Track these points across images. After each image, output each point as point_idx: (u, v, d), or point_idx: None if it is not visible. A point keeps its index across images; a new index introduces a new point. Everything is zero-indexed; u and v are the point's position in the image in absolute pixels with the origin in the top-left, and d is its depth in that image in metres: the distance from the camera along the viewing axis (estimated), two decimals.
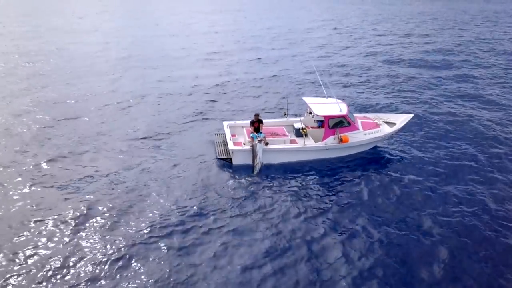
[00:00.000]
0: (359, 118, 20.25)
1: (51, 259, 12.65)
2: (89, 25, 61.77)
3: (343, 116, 18.65)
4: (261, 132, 18.59)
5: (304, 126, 19.69)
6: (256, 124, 18.63)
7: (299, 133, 19.91)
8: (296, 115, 22.11)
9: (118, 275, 12.16)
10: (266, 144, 18.25)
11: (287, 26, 43.41)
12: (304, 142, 18.66)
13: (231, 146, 18.31)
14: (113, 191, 16.32)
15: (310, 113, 19.83)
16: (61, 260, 12.62)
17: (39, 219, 14.48)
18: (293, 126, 20.42)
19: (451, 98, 27.32)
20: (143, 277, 12.11)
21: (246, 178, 17.38)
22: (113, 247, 13.24)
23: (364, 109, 25.07)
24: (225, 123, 20.47)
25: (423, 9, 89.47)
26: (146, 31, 39.28)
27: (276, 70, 30.57)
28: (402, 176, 17.85)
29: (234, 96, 26.62)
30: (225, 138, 19.56)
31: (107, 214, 14.83)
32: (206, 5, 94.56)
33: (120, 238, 13.67)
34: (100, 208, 15.17)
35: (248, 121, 20.13)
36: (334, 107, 18.93)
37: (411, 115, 20.53)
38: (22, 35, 48.85)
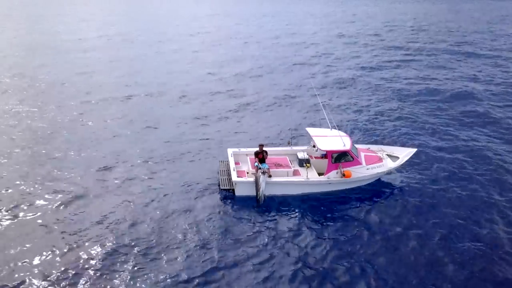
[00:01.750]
0: (363, 150, 20.37)
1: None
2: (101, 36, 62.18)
3: (346, 151, 18.78)
4: (265, 164, 18.74)
5: (307, 157, 19.88)
6: (261, 155, 18.81)
7: (302, 163, 20.08)
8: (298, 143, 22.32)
9: None
10: (270, 176, 18.41)
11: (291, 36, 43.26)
12: (307, 175, 18.79)
13: (234, 177, 18.49)
14: (112, 220, 16.57)
15: (314, 146, 19.97)
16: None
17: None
18: (296, 156, 20.57)
19: (459, 129, 26.68)
20: None
21: (249, 211, 17.61)
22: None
23: (366, 135, 25.12)
24: (229, 151, 20.64)
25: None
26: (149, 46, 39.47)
27: (279, 94, 30.51)
28: (402, 212, 17.94)
29: (238, 122, 26.47)
30: (229, 167, 19.73)
31: (103, 253, 15.01)
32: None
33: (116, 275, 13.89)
34: (93, 246, 15.37)
35: (252, 149, 20.42)
36: (337, 141, 19.07)
37: (414, 150, 20.64)
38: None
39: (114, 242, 15.44)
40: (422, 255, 15.38)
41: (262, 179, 17.88)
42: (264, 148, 19.63)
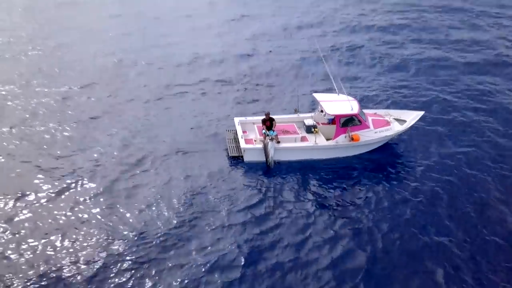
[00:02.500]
0: (370, 115, 20.31)
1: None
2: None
3: (354, 115, 18.74)
4: (273, 131, 18.72)
5: (315, 123, 19.86)
6: (268, 123, 18.78)
7: (310, 129, 20.08)
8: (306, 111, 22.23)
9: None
10: (278, 142, 18.44)
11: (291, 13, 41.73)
12: (315, 140, 18.80)
13: (243, 144, 18.54)
14: (125, 190, 16.78)
15: (322, 111, 19.90)
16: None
17: None
18: (303, 123, 20.54)
19: (469, 97, 25.44)
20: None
21: (257, 176, 17.80)
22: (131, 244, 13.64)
23: (373, 101, 24.93)
24: (236, 120, 20.60)
25: None
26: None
27: (284, 62, 29.98)
28: (410, 177, 18.09)
29: (242, 91, 26.01)
30: (237, 135, 19.74)
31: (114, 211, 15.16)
32: None
33: (138, 237, 14.09)
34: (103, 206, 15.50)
35: (259, 117, 20.40)
36: (345, 105, 18.99)
37: (422, 113, 20.54)
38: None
39: (123, 209, 15.74)
40: (428, 221, 15.50)
41: (271, 145, 17.93)
42: (271, 116, 19.58)
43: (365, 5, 43.97)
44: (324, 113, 19.22)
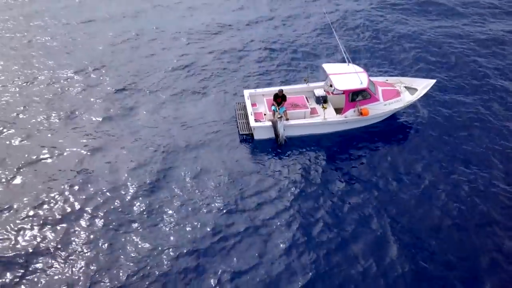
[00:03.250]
0: (380, 84, 20.07)
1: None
2: None
3: (364, 89, 18.60)
4: (282, 107, 18.80)
5: (324, 94, 20.00)
6: (279, 99, 18.82)
7: (320, 100, 20.09)
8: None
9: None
10: (287, 119, 18.63)
11: None
12: (324, 115, 18.90)
13: (252, 122, 18.77)
14: (136, 167, 17.53)
15: (331, 85, 19.73)
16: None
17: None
18: (313, 93, 20.49)
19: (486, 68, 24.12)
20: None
21: (267, 154, 18.33)
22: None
23: (383, 66, 24.32)
24: (246, 93, 20.59)
25: None
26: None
27: (290, 32, 28.49)
28: (420, 150, 18.38)
29: (250, 61, 25.27)
30: (246, 110, 19.91)
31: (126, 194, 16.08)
32: None
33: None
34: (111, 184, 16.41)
35: (268, 89, 20.67)
36: (354, 79, 18.76)
37: (434, 81, 20.20)
38: None
39: (128, 183, 16.68)
40: (437, 196, 16.06)
41: (280, 125, 18.15)
42: (281, 87, 19.57)
43: None
44: (333, 87, 19.07)
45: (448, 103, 21.09)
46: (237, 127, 19.64)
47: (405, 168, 17.49)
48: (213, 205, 15.84)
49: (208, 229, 14.89)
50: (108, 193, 16.30)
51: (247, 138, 19.16)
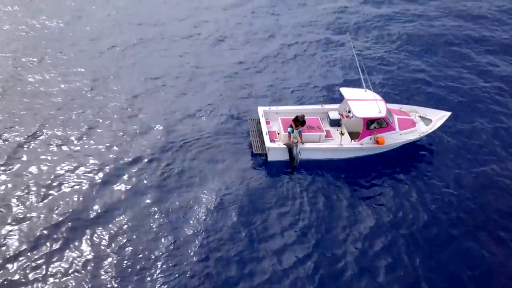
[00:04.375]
0: (395, 112, 20.01)
1: None
2: None
3: (382, 118, 18.50)
4: (299, 130, 18.54)
5: (339, 117, 19.89)
6: (298, 123, 18.54)
7: (334, 122, 19.93)
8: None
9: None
10: (302, 143, 18.40)
11: None
12: (340, 140, 18.73)
13: (267, 143, 18.45)
14: (148, 180, 17.13)
15: (349, 111, 19.55)
16: None
17: None
18: (328, 115, 20.31)
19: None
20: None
21: (281, 176, 18.03)
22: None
23: (398, 93, 24.08)
24: (260, 110, 20.25)
25: None
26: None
27: (310, 51, 27.56)
28: (433, 179, 18.44)
29: (263, 78, 24.69)
30: (260, 127, 19.60)
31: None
32: None
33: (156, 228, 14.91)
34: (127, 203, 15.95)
35: (282, 107, 20.71)
36: (373, 107, 18.64)
37: (449, 113, 20.22)
38: None
39: (141, 202, 16.28)
40: (455, 225, 16.25)
41: (297, 150, 17.89)
42: (297, 107, 20.24)
43: None
44: (352, 114, 18.89)
45: (464, 131, 21.16)
46: (251, 145, 19.27)
47: (420, 197, 17.49)
48: (223, 231, 15.53)
49: (219, 254, 14.65)
50: (127, 227, 15.57)
51: (261, 159, 18.79)
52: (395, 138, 18.93)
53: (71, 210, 15.73)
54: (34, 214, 15.47)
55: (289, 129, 18.56)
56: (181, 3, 33.78)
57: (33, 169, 17.34)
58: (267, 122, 19.95)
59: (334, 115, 20.10)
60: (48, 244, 14.54)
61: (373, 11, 33.84)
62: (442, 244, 15.51)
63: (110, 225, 15.33)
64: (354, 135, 19.49)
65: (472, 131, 21.17)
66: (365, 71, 20.25)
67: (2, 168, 17.27)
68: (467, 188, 17.96)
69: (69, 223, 15.26)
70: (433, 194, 17.58)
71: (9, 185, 16.51)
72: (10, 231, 14.80)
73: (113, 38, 27.92)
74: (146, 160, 18.34)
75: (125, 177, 17.42)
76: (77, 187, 16.70)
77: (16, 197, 16.05)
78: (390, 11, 33.87)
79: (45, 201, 16.03)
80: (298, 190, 17.47)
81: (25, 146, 18.48)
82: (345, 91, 19.86)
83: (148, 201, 16.41)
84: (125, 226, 15.33)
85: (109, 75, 24.02)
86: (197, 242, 14.92)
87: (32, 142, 18.73)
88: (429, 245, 15.41)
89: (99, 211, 15.85)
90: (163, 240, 14.96)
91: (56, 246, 14.48)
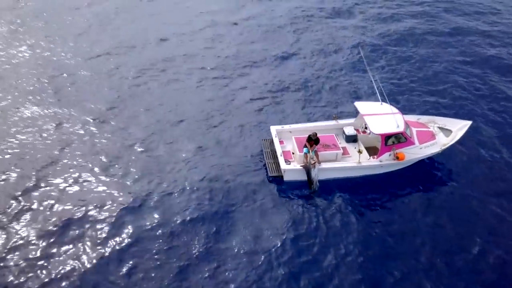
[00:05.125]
0: (413, 123, 19.29)
1: None
2: None
3: (400, 133, 17.80)
4: (314, 149, 17.90)
5: (355, 133, 19.29)
6: (312, 143, 17.91)
7: (350, 138, 19.31)
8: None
9: None
10: (319, 163, 17.76)
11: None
12: (359, 158, 18.06)
13: (283, 165, 17.86)
14: (162, 212, 16.55)
15: (366, 127, 18.88)
16: None
17: None
18: (343, 131, 19.67)
19: None
20: None
21: (298, 198, 17.48)
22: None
23: (414, 102, 23.23)
24: (273, 130, 19.68)
25: None
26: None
27: (318, 65, 26.84)
28: (456, 195, 17.74)
29: (275, 96, 23.94)
30: (274, 145, 19.06)
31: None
32: None
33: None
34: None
35: (295, 125, 20.06)
36: (391, 121, 17.94)
37: (470, 122, 19.43)
38: None
39: (154, 228, 15.81)
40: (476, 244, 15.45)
41: (314, 173, 17.27)
42: (310, 124, 19.66)
43: None
44: (368, 130, 18.22)
45: (487, 142, 20.37)
46: (265, 167, 18.68)
47: (442, 217, 16.71)
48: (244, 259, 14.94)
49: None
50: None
51: (277, 180, 18.17)
52: (415, 153, 18.20)
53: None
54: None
55: (305, 149, 17.92)
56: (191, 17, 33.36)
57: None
58: (281, 142, 19.37)
59: (349, 131, 19.46)
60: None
61: (382, 16, 33.10)
62: (469, 273, 14.71)
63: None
64: (371, 150, 18.83)
65: (496, 142, 20.33)
66: (379, 82, 19.60)
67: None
68: (491, 205, 17.15)
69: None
70: (457, 214, 16.81)
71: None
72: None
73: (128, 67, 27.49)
74: (154, 180, 17.95)
75: (137, 193, 16.90)
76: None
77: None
78: (400, 19, 33.07)
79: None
80: (316, 212, 16.87)
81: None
82: (360, 105, 19.19)
83: (153, 221, 16.07)
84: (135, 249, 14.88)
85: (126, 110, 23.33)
86: (207, 267, 14.45)
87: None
88: (450, 273, 14.62)
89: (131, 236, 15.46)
90: (174, 260, 14.59)
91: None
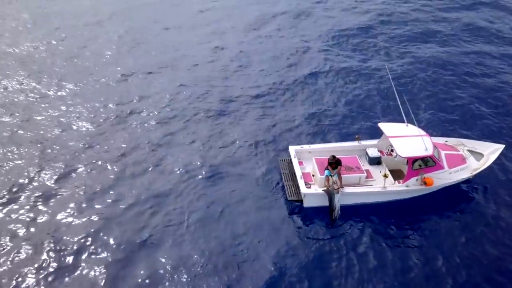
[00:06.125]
0: (441, 146, 18.17)
1: None
2: None
3: (429, 157, 16.68)
4: (336, 173, 16.86)
5: (378, 155, 18.28)
6: (334, 165, 16.87)
7: (373, 161, 18.25)
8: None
9: None
10: (342, 187, 16.71)
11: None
12: (384, 183, 16.96)
13: (303, 189, 16.82)
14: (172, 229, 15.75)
15: (392, 150, 17.80)
16: None
17: None
18: (366, 152, 18.62)
19: None
20: None
21: (319, 225, 16.38)
22: None
23: (441, 124, 22.04)
24: (292, 150, 18.72)
25: None
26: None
27: (341, 83, 25.82)
28: (490, 226, 16.42)
29: (294, 115, 22.90)
30: (292, 165, 18.13)
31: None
32: None
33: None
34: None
35: (315, 145, 19.27)
36: (418, 144, 16.84)
37: (502, 146, 18.26)
38: None
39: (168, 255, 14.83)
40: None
41: (337, 198, 16.20)
42: (331, 145, 18.99)
43: None
44: (395, 153, 17.13)
45: None
46: (284, 189, 17.66)
47: (475, 248, 15.44)
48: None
49: None
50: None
51: (295, 205, 17.15)
52: (444, 178, 17.07)
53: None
54: None
55: (326, 172, 16.87)
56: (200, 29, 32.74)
57: None
58: (300, 163, 18.38)
59: (373, 152, 18.42)
60: None
61: (407, 31, 32.00)
62: None
63: None
64: (396, 173, 17.75)
65: None
66: (406, 101, 18.58)
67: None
68: None
69: None
70: (491, 246, 15.55)
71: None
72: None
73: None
74: (162, 200, 17.02)
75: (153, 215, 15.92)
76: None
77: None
78: (428, 32, 32.01)
79: None
80: (338, 241, 15.72)
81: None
82: (385, 127, 18.13)
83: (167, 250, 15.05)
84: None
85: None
86: None
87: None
88: None
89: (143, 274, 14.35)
90: None
91: None
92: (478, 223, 16.42)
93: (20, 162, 19.11)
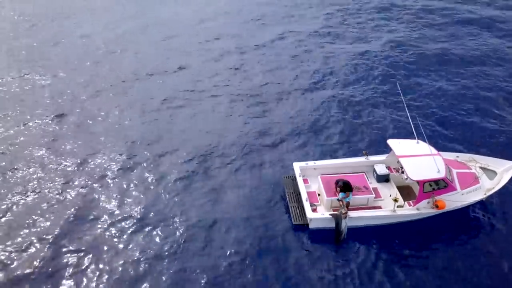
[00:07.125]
0: (452, 163, 17.37)
1: None
2: None
3: (441, 179, 15.90)
4: (348, 197, 16.11)
5: (387, 172, 17.54)
6: (343, 189, 16.09)
7: (381, 178, 17.50)
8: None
9: None
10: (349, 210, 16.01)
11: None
12: (394, 207, 16.23)
13: (309, 213, 16.12)
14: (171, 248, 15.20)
15: (403, 171, 16.98)
16: None
17: None
18: (374, 168, 17.84)
19: None
20: None
21: (325, 250, 15.73)
22: None
23: (451, 140, 21.16)
24: (296, 167, 17.93)
25: None
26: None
27: (347, 95, 24.89)
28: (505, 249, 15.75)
29: (301, 129, 22.10)
30: (297, 183, 17.35)
31: None
32: None
33: None
34: None
35: (321, 162, 18.47)
36: (430, 165, 16.01)
37: None
38: None
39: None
40: None
41: (345, 224, 15.47)
42: (337, 161, 18.29)
43: None
44: (406, 176, 16.33)
45: None
46: (288, 211, 16.94)
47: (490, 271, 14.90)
48: None
49: None
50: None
51: (301, 228, 16.47)
52: (456, 200, 16.33)
53: None
54: None
55: (341, 194, 16.05)
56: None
57: None
58: (305, 181, 17.60)
59: (381, 169, 17.64)
60: None
61: (420, 49, 30.48)
62: None
63: None
64: (405, 190, 17.06)
65: None
66: (417, 118, 17.67)
67: None
68: None
69: None
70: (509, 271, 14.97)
71: None
72: None
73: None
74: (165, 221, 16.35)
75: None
76: None
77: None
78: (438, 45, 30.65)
79: None
80: (344, 267, 15.12)
81: None
82: (394, 144, 17.26)
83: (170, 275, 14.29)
84: None
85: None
86: None
87: None
88: None
89: None
90: None
91: None
92: (492, 245, 15.83)
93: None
